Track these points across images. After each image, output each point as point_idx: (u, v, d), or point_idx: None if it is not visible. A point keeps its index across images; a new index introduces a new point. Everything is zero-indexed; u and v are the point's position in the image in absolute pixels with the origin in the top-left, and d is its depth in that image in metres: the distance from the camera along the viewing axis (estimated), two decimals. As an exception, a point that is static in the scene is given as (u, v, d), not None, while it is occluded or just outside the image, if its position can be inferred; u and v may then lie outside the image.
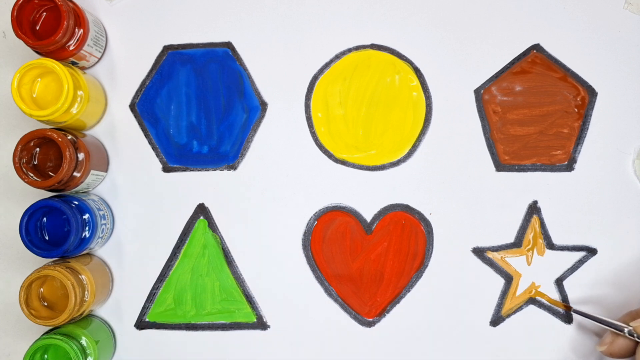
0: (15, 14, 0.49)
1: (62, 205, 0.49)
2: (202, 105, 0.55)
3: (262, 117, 0.55)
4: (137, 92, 0.55)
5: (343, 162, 0.55)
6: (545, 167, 0.54)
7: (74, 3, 0.51)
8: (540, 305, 0.53)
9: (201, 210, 0.55)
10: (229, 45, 0.55)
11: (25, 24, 0.50)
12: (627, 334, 0.47)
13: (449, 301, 0.54)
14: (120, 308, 0.55)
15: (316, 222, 0.54)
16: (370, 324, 0.54)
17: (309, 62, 0.55)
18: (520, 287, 0.53)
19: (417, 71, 0.54)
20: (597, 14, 0.54)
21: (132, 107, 0.55)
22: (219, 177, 0.55)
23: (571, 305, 0.53)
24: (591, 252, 0.53)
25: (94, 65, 0.55)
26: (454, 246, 0.54)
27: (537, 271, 0.53)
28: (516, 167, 0.54)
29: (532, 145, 0.54)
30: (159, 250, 0.55)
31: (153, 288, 0.55)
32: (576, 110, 0.54)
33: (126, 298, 0.55)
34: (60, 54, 0.51)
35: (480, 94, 0.54)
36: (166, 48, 0.55)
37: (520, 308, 0.53)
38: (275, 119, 0.55)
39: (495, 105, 0.54)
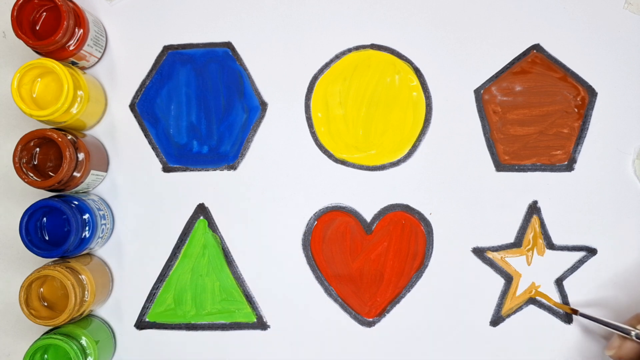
0: (15, 14, 0.49)
1: (62, 205, 0.49)
2: (202, 105, 0.55)
3: (262, 117, 0.55)
4: (137, 92, 0.55)
5: (343, 162, 0.55)
6: (545, 167, 0.54)
7: (74, 3, 0.51)
8: (540, 305, 0.53)
9: (201, 210, 0.55)
10: (229, 45, 0.55)
11: (25, 24, 0.50)
12: (634, 337, 0.47)
13: (449, 301, 0.54)
14: (120, 308, 0.55)
15: (316, 222, 0.54)
16: (370, 324, 0.54)
17: (309, 62, 0.55)
18: (520, 287, 0.53)
19: (417, 71, 0.54)
20: (597, 14, 0.54)
21: (132, 107, 0.55)
22: (219, 177, 0.55)
23: (572, 306, 0.53)
24: (591, 252, 0.53)
25: (94, 65, 0.55)
26: (454, 246, 0.54)
27: (537, 271, 0.53)
28: (516, 167, 0.54)
29: (532, 145, 0.54)
30: (159, 250, 0.55)
31: (153, 288, 0.55)
32: (576, 110, 0.54)
33: (126, 298, 0.55)
34: (60, 54, 0.51)
35: (480, 94, 0.54)
36: (166, 48, 0.55)
37: (520, 308, 0.53)
38: (275, 119, 0.55)
39: (495, 105, 0.54)
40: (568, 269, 0.53)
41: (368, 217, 0.54)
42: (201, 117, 0.55)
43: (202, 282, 0.54)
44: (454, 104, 0.54)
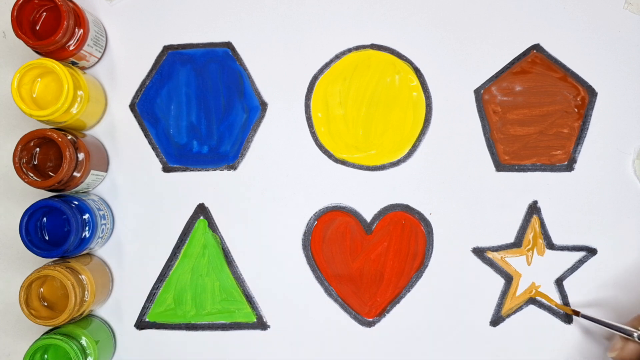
0: (15, 14, 0.49)
1: (62, 205, 0.49)
2: (202, 105, 0.55)
3: (262, 117, 0.55)
4: (137, 92, 0.55)
5: (343, 162, 0.55)
6: (545, 167, 0.54)
7: (74, 3, 0.51)
8: (541, 305, 0.53)
9: (201, 210, 0.55)
10: (229, 45, 0.55)
11: (25, 24, 0.50)
12: (637, 339, 0.47)
13: (449, 301, 0.54)
14: (120, 308, 0.55)
15: (316, 222, 0.54)
16: (370, 324, 0.54)
17: (309, 62, 0.55)
18: (521, 287, 0.53)
19: (417, 71, 0.54)
20: (597, 14, 0.54)
21: (132, 107, 0.55)
22: (219, 177, 0.55)
23: (573, 307, 0.53)
24: (591, 252, 0.53)
25: (94, 65, 0.55)
26: (454, 246, 0.54)
27: (537, 271, 0.53)
28: (516, 167, 0.54)
29: (532, 145, 0.54)
30: (159, 250, 0.55)
31: (153, 288, 0.55)
32: (576, 110, 0.54)
33: (126, 298, 0.55)
34: (60, 54, 0.51)
35: (480, 94, 0.54)
36: (166, 48, 0.55)
37: (520, 308, 0.53)
38: (275, 119, 0.55)
39: (495, 105, 0.54)
40: (568, 269, 0.53)
41: (368, 217, 0.54)
42: (201, 117, 0.55)
43: (202, 282, 0.54)
44: (454, 104, 0.54)
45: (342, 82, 0.55)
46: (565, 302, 0.53)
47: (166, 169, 0.55)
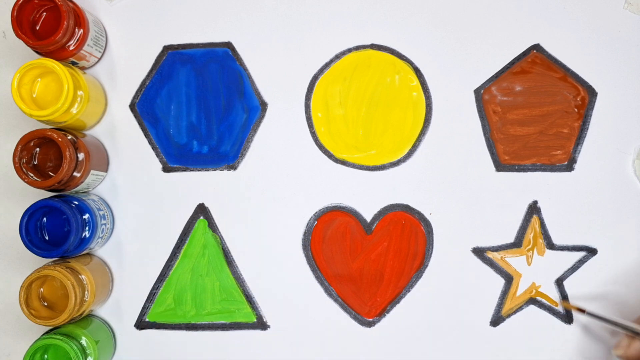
0: (15, 14, 0.49)
1: (62, 205, 0.49)
2: (202, 105, 0.55)
3: (262, 117, 0.55)
4: (137, 92, 0.55)
5: (343, 162, 0.55)
6: (545, 167, 0.54)
7: (74, 3, 0.51)
8: (541, 305, 0.53)
9: (201, 210, 0.55)
10: (229, 45, 0.55)
11: (25, 24, 0.50)
12: None
13: (449, 301, 0.54)
14: (120, 308, 0.55)
15: (316, 222, 0.54)
16: (370, 324, 0.54)
17: (309, 62, 0.55)
18: (521, 287, 0.53)
19: (417, 71, 0.54)
20: (597, 14, 0.54)
21: (132, 107, 0.55)
22: (219, 177, 0.55)
23: (577, 306, 0.53)
24: (591, 252, 0.53)
25: (94, 65, 0.55)
26: (454, 246, 0.54)
27: (537, 271, 0.53)
28: (516, 167, 0.54)
29: (532, 145, 0.54)
30: (159, 250, 0.55)
31: (153, 288, 0.55)
32: (576, 110, 0.54)
33: (126, 298, 0.55)
34: (60, 54, 0.51)
35: (480, 94, 0.54)
36: (166, 48, 0.55)
37: (520, 308, 0.53)
38: (275, 119, 0.55)
39: (495, 105, 0.54)
40: (568, 269, 0.53)
41: (368, 217, 0.54)
42: (201, 117, 0.55)
43: (202, 282, 0.54)
44: (454, 104, 0.54)
45: (342, 82, 0.55)
46: (566, 302, 0.53)
47: (166, 169, 0.55)
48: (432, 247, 0.54)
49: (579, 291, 0.53)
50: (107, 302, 0.55)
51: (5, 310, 0.55)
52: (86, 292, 0.50)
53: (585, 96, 0.54)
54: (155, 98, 0.55)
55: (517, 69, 0.54)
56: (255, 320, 0.54)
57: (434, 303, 0.54)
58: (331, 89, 0.55)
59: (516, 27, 0.54)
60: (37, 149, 0.50)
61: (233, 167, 0.55)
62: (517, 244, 0.54)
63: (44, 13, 0.51)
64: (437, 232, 0.54)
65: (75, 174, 0.50)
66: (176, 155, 0.55)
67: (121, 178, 0.55)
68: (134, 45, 0.55)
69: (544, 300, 0.53)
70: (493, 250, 0.54)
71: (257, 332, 0.54)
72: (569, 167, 0.54)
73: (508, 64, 0.54)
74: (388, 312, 0.54)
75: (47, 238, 0.50)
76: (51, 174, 0.50)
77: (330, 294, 0.54)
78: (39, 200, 0.50)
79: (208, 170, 0.55)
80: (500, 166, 0.54)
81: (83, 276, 0.50)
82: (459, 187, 0.54)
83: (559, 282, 0.53)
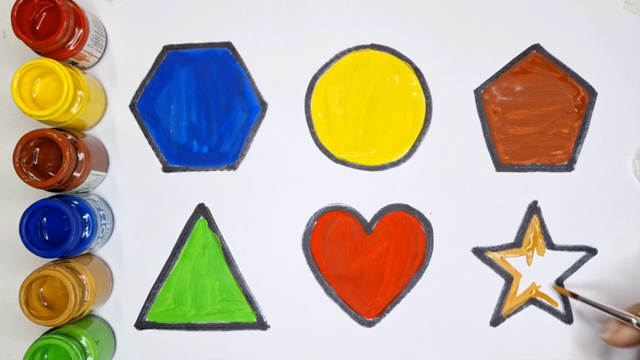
0: (15, 14, 0.49)
1: (62, 205, 0.49)
2: (202, 105, 0.55)
3: (262, 117, 0.55)
4: (137, 92, 0.55)
5: (343, 162, 0.55)
6: (545, 167, 0.54)
7: (74, 3, 0.51)
8: (541, 305, 0.53)
9: (201, 210, 0.55)
10: (229, 45, 0.55)
11: (25, 24, 0.50)
12: (635, 325, 0.47)
13: (449, 301, 0.54)
14: (120, 308, 0.55)
15: (316, 222, 0.54)
16: (370, 324, 0.54)
17: (309, 62, 0.55)
18: (521, 287, 0.53)
19: (417, 71, 0.54)
20: (597, 14, 0.54)
21: (132, 107, 0.55)
22: (219, 177, 0.55)
23: (572, 306, 0.53)
24: (591, 252, 0.53)
25: (94, 65, 0.55)
26: (454, 246, 0.54)
27: (538, 271, 0.53)
28: (516, 167, 0.54)
29: (532, 145, 0.54)
30: (159, 250, 0.55)
31: (153, 288, 0.55)
32: (576, 110, 0.54)
33: (126, 298, 0.55)
34: (60, 54, 0.51)
35: (480, 94, 0.54)
36: (166, 48, 0.55)
37: (520, 308, 0.53)
38: (275, 119, 0.55)
39: (495, 105, 0.54)
40: (568, 269, 0.53)
41: (368, 217, 0.54)
42: (201, 117, 0.55)
43: (202, 282, 0.54)
44: (454, 104, 0.54)
45: (342, 82, 0.55)
46: (566, 302, 0.53)
47: (166, 169, 0.55)
48: (432, 247, 0.54)
49: (579, 291, 0.53)
50: (107, 302, 0.55)
51: (5, 310, 0.55)
52: (86, 292, 0.50)
53: (585, 96, 0.54)
54: (155, 98, 0.55)
55: (517, 69, 0.54)
56: (255, 320, 0.54)
57: (434, 303, 0.54)
58: (331, 89, 0.55)
59: (516, 27, 0.54)
60: (37, 149, 0.50)
61: (233, 167, 0.55)
62: (517, 244, 0.54)
63: (44, 13, 0.51)
64: (437, 232, 0.54)
65: (75, 174, 0.50)
66: (176, 155, 0.55)
67: (121, 178, 0.55)
68: (134, 45, 0.55)
69: (544, 300, 0.53)
70: (493, 250, 0.54)
71: (257, 332, 0.54)
72: (569, 167, 0.54)
73: (508, 64, 0.54)
74: (388, 312, 0.54)
75: (47, 238, 0.50)
76: (51, 174, 0.50)
77: (330, 294, 0.54)
78: (39, 200, 0.50)
79: (208, 170, 0.55)
80: (500, 166, 0.54)
81: (83, 276, 0.50)
82: (459, 187, 0.54)
83: (559, 282, 0.53)
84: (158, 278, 0.55)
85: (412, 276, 0.54)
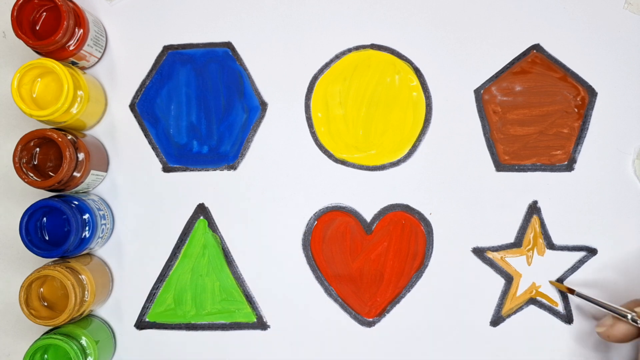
0: (15, 14, 0.49)
1: (62, 205, 0.49)
2: (202, 105, 0.55)
3: (262, 117, 0.55)
4: (137, 92, 0.55)
5: (343, 162, 0.55)
6: (545, 167, 0.54)
7: (74, 3, 0.51)
8: (541, 305, 0.53)
9: (201, 210, 0.55)
10: (229, 45, 0.55)
11: (25, 24, 0.50)
12: (630, 320, 0.47)
13: (449, 301, 0.54)
14: (120, 308, 0.55)
15: (316, 222, 0.54)
16: (370, 324, 0.54)
17: (309, 62, 0.55)
18: (521, 287, 0.53)
19: (417, 71, 0.54)
20: (597, 14, 0.54)
21: (132, 107, 0.55)
22: (219, 177, 0.55)
23: (571, 305, 0.53)
24: (591, 252, 0.53)
25: (94, 65, 0.55)
26: (454, 246, 0.54)
27: (538, 271, 0.53)
28: (516, 167, 0.54)
29: (532, 145, 0.54)
30: (159, 250, 0.55)
31: (153, 288, 0.55)
32: (576, 110, 0.54)
33: (126, 298, 0.55)
34: (60, 54, 0.51)
35: (480, 94, 0.54)
36: (166, 48, 0.55)
37: (520, 308, 0.53)
38: (275, 119, 0.55)
39: (495, 105, 0.54)
40: (568, 269, 0.53)
41: (368, 217, 0.54)
42: (201, 117, 0.55)
43: (202, 282, 0.54)
44: (454, 104, 0.54)
45: (342, 82, 0.55)
46: (566, 302, 0.53)
47: (166, 169, 0.55)
48: (432, 247, 0.54)
49: (579, 291, 0.53)
50: (107, 302, 0.55)
51: (5, 310, 0.55)
52: (86, 292, 0.50)
53: (585, 96, 0.54)
54: (155, 98, 0.55)
55: (517, 69, 0.54)
56: (255, 320, 0.54)
57: (434, 303, 0.54)
58: (331, 89, 0.55)
59: (516, 27, 0.54)
60: (37, 149, 0.50)
61: (233, 167, 0.55)
62: (517, 244, 0.54)
63: (44, 13, 0.51)
64: (437, 232, 0.54)
65: (75, 174, 0.50)
66: (176, 155, 0.55)
67: (121, 178, 0.55)
68: (134, 45, 0.55)
69: (544, 300, 0.53)
70: (493, 250, 0.54)
71: (257, 332, 0.54)
72: (569, 167, 0.54)
73: (508, 64, 0.54)
74: (388, 312, 0.54)
75: (47, 238, 0.50)
76: (51, 174, 0.50)
77: (330, 294, 0.54)
78: (39, 200, 0.50)
79: (208, 170, 0.55)
80: (500, 166, 0.54)
81: (83, 276, 0.50)
82: (459, 187, 0.54)
83: (559, 282, 0.53)
84: (158, 278, 0.55)
85: (412, 276, 0.54)
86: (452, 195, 0.54)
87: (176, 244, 0.55)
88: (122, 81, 0.55)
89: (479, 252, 0.54)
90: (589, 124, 0.54)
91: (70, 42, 0.51)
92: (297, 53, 0.55)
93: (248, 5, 0.55)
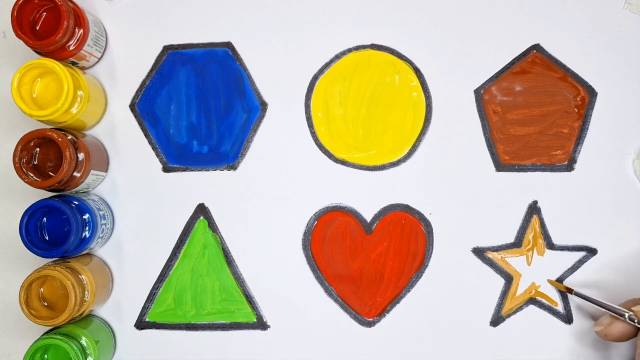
0: (15, 14, 0.49)
1: (62, 205, 0.49)
2: (202, 105, 0.55)
3: (262, 117, 0.55)
4: (137, 92, 0.55)
5: (343, 162, 0.55)
6: (545, 167, 0.54)
7: (74, 3, 0.51)
8: (541, 305, 0.53)
9: (201, 210, 0.55)
10: (229, 45, 0.55)
11: (25, 24, 0.50)
12: (627, 319, 0.47)
13: (449, 301, 0.54)
14: (120, 308, 0.55)
15: (316, 222, 0.54)
16: (370, 324, 0.54)
17: (309, 62, 0.55)
18: (521, 287, 0.53)
19: (417, 71, 0.54)
20: (597, 14, 0.54)
21: (132, 107, 0.55)
22: (219, 177, 0.55)
23: (571, 306, 0.53)
24: (591, 252, 0.53)
25: (94, 65, 0.55)
26: (454, 246, 0.54)
27: (537, 271, 0.53)
28: (516, 167, 0.54)
29: (532, 145, 0.54)
30: (159, 250, 0.55)
31: (153, 288, 0.55)
32: (576, 110, 0.54)
33: (126, 298, 0.55)
34: (60, 54, 0.51)
35: (480, 94, 0.54)
36: (166, 48, 0.55)
37: (520, 308, 0.53)
38: (275, 119, 0.55)
39: (495, 105, 0.54)
40: (568, 269, 0.53)
41: (368, 217, 0.54)
42: (201, 117, 0.55)
43: (202, 282, 0.54)
44: (454, 104, 0.54)
45: (342, 82, 0.55)
46: (565, 301, 0.53)
47: (166, 169, 0.55)
48: (432, 247, 0.54)
49: (579, 291, 0.53)
50: (107, 302, 0.55)
51: (5, 310, 0.55)
52: (86, 292, 0.50)
53: (585, 96, 0.54)
54: (155, 98, 0.55)
55: (517, 69, 0.54)
56: (255, 320, 0.54)
57: (434, 303, 0.54)
58: (331, 89, 0.55)
59: (516, 27, 0.54)
60: (37, 149, 0.50)
61: (233, 167, 0.55)
62: (517, 244, 0.54)
63: (44, 13, 0.51)
64: (437, 232, 0.54)
65: (75, 174, 0.50)
66: (176, 155, 0.55)
67: (121, 178, 0.55)
68: (134, 45, 0.55)
69: (544, 300, 0.53)
70: (493, 250, 0.54)
71: (257, 332, 0.54)
72: (569, 167, 0.54)
73: (508, 64, 0.54)
74: (388, 312, 0.54)
75: (47, 238, 0.50)
76: (51, 174, 0.50)
77: (330, 294, 0.54)
78: (39, 200, 0.50)
79: (208, 170, 0.55)
80: (500, 166, 0.54)
81: (83, 276, 0.50)
82: (459, 187, 0.54)
83: (559, 282, 0.53)
84: (158, 278, 0.55)
85: (412, 276, 0.54)
86: (452, 195, 0.54)
87: (176, 244, 0.55)
88: (122, 81, 0.55)
89: (479, 252, 0.54)
90: (589, 124, 0.54)
91: (70, 42, 0.51)
92: (297, 53, 0.55)
93: (248, 5, 0.55)
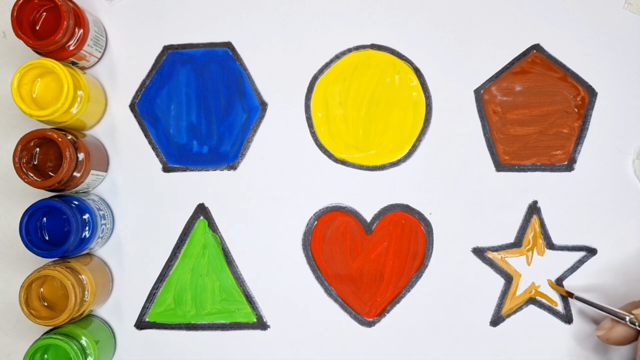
0: (15, 14, 0.49)
1: (62, 205, 0.49)
2: (202, 105, 0.55)
3: (262, 117, 0.55)
4: (137, 92, 0.55)
5: (343, 162, 0.55)
6: (545, 167, 0.54)
7: (74, 3, 0.51)
8: (541, 305, 0.53)
9: (201, 210, 0.55)
10: (229, 45, 0.55)
11: (25, 24, 0.50)
12: (628, 322, 0.47)
13: (449, 301, 0.54)
14: (120, 308, 0.55)
15: (316, 222, 0.54)
16: (370, 324, 0.54)
17: (309, 62, 0.55)
18: (521, 287, 0.53)
19: (417, 71, 0.54)
20: (597, 14, 0.54)
21: (132, 107, 0.55)
22: (219, 177, 0.55)
23: (569, 303, 0.53)
24: (591, 252, 0.53)
25: (94, 65, 0.55)
26: (454, 246, 0.54)
27: (537, 271, 0.53)
28: (516, 167, 0.54)
29: (532, 145, 0.54)
30: (159, 250, 0.55)
31: (153, 288, 0.55)
32: (576, 110, 0.54)
33: (126, 298, 0.55)
34: (60, 54, 0.51)
35: (480, 94, 0.54)
36: (166, 48, 0.55)
37: (520, 308, 0.53)
38: (275, 119, 0.55)
39: (495, 105, 0.54)
40: (568, 269, 0.53)
41: (368, 217, 0.54)
42: (201, 117, 0.55)
43: (202, 282, 0.54)
44: (454, 104, 0.54)
45: (342, 82, 0.55)
46: (565, 302, 0.53)
47: (166, 169, 0.55)
48: (432, 247, 0.54)
49: (579, 291, 0.53)
50: (107, 302, 0.55)
51: (5, 310, 0.55)
52: (86, 292, 0.50)
53: (585, 96, 0.54)
54: (155, 98, 0.55)
55: (517, 69, 0.54)
56: (255, 320, 0.54)
57: (434, 303, 0.54)
58: (331, 89, 0.55)
59: (516, 27, 0.54)
60: (37, 149, 0.50)
61: (233, 167, 0.55)
62: (517, 244, 0.54)
63: (44, 13, 0.51)
64: (437, 232, 0.54)
65: (75, 174, 0.50)
66: (176, 155, 0.55)
67: (121, 178, 0.55)
68: (134, 45, 0.55)
69: (543, 300, 0.53)
70: (493, 250, 0.54)
71: (257, 332, 0.54)
72: (569, 167, 0.54)
73: (508, 64, 0.54)
74: (388, 312, 0.54)
75: (47, 238, 0.50)
76: (51, 174, 0.50)
77: (330, 294, 0.54)
78: (39, 200, 0.50)
79: (208, 170, 0.55)
80: (500, 166, 0.54)
81: (83, 276, 0.50)
82: (459, 187, 0.54)
83: (559, 282, 0.53)
84: (158, 278, 0.55)
85: (412, 276, 0.54)
86: (452, 195, 0.54)
87: (176, 244, 0.55)
88: (122, 81, 0.55)
89: (479, 252, 0.54)
90: (589, 124, 0.54)
91: (70, 42, 0.51)
92: (297, 53, 0.55)
93: (248, 5, 0.55)
